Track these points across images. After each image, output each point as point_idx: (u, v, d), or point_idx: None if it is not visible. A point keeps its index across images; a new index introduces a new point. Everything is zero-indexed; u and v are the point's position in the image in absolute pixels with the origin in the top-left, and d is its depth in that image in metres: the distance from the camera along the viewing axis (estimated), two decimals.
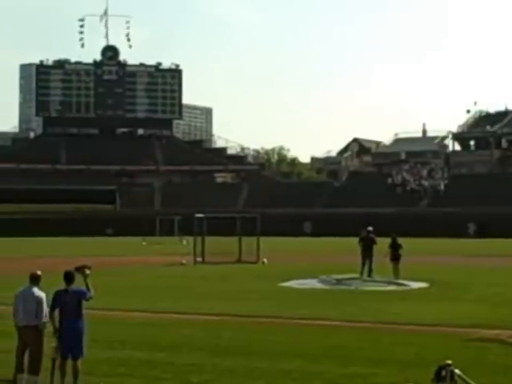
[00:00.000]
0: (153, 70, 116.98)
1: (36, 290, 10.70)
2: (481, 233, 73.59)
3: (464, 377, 7.58)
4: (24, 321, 10.60)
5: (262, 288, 25.50)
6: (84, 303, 10.65)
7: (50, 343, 10.64)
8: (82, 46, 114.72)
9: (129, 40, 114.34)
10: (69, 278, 10.61)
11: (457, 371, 7.55)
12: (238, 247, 39.29)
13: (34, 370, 10.53)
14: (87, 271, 10.79)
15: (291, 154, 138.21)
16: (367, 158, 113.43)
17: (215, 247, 37.40)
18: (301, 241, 67.10)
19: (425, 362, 11.86)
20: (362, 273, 27.90)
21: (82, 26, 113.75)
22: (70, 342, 10.43)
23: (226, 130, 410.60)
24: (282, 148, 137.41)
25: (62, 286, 10.71)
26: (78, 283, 10.76)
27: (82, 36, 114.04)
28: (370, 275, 27.68)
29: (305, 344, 14.42)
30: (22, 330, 10.66)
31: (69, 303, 10.49)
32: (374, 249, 28.34)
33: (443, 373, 7.59)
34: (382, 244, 28.79)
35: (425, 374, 9.69)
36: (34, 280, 10.82)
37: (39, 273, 10.94)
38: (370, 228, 29.25)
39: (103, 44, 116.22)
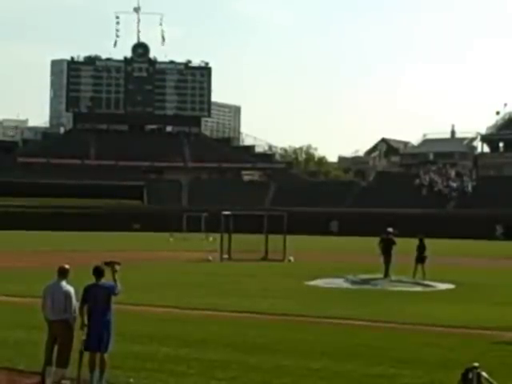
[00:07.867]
0: (182, 67, 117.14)
1: (64, 284, 10.74)
2: (508, 235, 72.97)
3: (491, 380, 7.55)
4: (53, 315, 10.65)
5: (287, 286, 25.55)
6: (113, 298, 10.75)
7: (79, 337, 10.73)
8: (115, 44, 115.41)
9: (163, 37, 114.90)
10: (98, 272, 10.72)
11: (484, 374, 7.51)
12: (264, 245, 39.33)
13: (62, 363, 10.60)
14: (117, 266, 10.88)
15: (319, 153, 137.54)
16: (395, 159, 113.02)
17: (242, 245, 37.48)
18: (327, 240, 66.97)
19: (451, 363, 11.83)
20: (385, 274, 27.68)
21: (117, 24, 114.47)
22: (99, 336, 10.53)
23: (254, 128, 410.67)
24: (309, 147, 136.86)
25: (90, 280, 10.79)
26: (107, 278, 10.86)
27: (116, 33, 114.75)
28: (386, 276, 27.39)
29: (331, 343, 14.42)
30: (52, 324, 10.73)
31: (98, 297, 10.58)
32: (393, 250, 27.90)
33: (470, 375, 7.56)
34: (407, 244, 28.63)
35: (451, 377, 9.68)
36: (62, 274, 10.84)
37: (67, 266, 10.95)
38: (390, 229, 28.88)
39: (133, 41, 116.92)
